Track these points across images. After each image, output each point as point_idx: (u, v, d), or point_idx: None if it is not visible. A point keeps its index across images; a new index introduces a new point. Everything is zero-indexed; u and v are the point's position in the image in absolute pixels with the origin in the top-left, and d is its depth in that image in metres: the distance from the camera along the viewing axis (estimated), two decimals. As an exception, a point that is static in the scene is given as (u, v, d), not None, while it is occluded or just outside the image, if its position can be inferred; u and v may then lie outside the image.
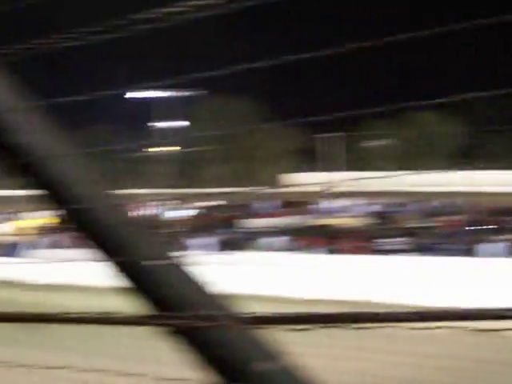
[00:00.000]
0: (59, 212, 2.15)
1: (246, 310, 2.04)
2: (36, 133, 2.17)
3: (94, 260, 2.13)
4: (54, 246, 40.58)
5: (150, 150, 61.57)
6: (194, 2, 1.94)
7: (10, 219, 54.74)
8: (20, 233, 50.11)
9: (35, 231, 48.41)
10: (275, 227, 43.28)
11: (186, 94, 60.58)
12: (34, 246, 43.74)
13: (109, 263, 2.07)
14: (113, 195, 2.18)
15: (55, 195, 2.12)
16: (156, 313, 2.00)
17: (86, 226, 2.09)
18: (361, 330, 1.78)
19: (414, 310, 1.85)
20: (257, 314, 1.87)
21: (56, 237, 42.48)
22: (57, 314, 2.09)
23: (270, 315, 1.85)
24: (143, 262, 2.04)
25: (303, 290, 24.72)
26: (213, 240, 42.18)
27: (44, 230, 46.70)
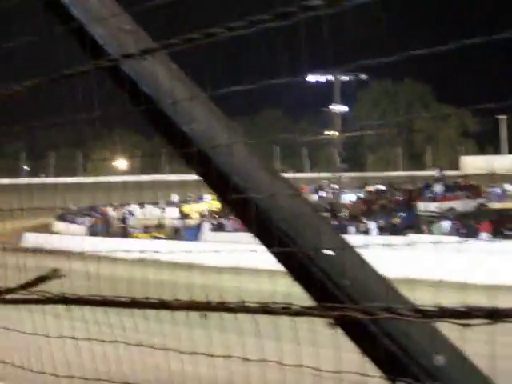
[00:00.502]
0: (224, 199, 2.16)
1: (423, 300, 1.97)
2: (203, 122, 2.20)
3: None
4: (222, 229, 41.55)
5: (325, 133, 61.81)
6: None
7: (179, 204, 56.64)
8: (187, 216, 51.72)
9: (201, 215, 49.82)
10: (449, 210, 42.44)
11: (349, 78, 60.33)
12: (202, 229, 45.00)
13: (275, 252, 2.06)
14: (280, 182, 2.17)
15: (221, 184, 2.13)
16: (325, 303, 1.96)
17: (252, 214, 2.08)
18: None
19: None
20: (439, 307, 1.80)
21: (223, 220, 43.58)
22: (217, 302, 2.10)
23: (456, 308, 1.77)
24: (311, 252, 2.02)
25: (481, 276, 23.99)
26: (385, 224, 41.95)
27: (209, 214, 48.08)
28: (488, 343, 1.77)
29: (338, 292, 1.95)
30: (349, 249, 2.03)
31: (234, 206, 2.13)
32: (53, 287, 2.88)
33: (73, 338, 3.18)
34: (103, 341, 2.99)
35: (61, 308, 2.85)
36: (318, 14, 1.92)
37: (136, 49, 2.28)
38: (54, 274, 2.90)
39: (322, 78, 60.63)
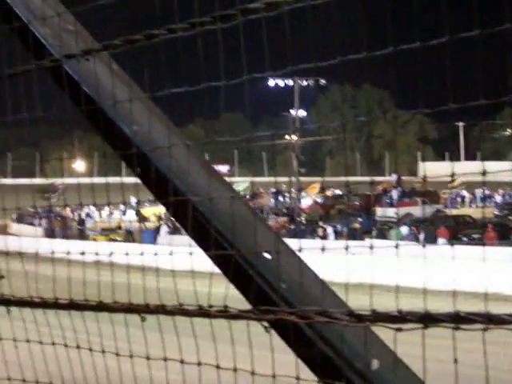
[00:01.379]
0: (163, 202, 2.16)
1: (366, 302, 1.98)
2: (145, 124, 2.19)
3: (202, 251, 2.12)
4: (178, 232, 41.55)
5: (285, 138, 62.03)
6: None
7: (137, 207, 56.46)
8: (145, 219, 51.61)
9: (159, 218, 49.71)
10: (406, 216, 42.79)
11: (307, 83, 60.60)
12: (160, 232, 44.91)
13: (212, 255, 2.06)
14: (220, 185, 2.16)
15: (160, 187, 2.13)
16: (262, 307, 1.96)
17: (190, 217, 2.07)
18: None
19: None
20: (374, 311, 1.80)
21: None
22: (155, 305, 2.10)
23: (389, 313, 1.78)
24: (249, 255, 2.01)
25: (430, 280, 24.15)
26: (340, 228, 42.15)
27: (167, 217, 47.93)
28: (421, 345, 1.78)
29: (274, 295, 1.95)
30: (287, 252, 2.04)
31: (173, 208, 2.12)
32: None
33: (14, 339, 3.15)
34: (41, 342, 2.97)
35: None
36: (280, 17, 1.93)
37: (78, 49, 2.26)
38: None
39: (282, 83, 60.88)
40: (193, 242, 2.13)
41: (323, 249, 2.03)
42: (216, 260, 2.04)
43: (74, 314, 2.58)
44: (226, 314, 1.94)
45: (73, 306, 2.37)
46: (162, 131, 2.17)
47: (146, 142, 2.15)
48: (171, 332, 2.30)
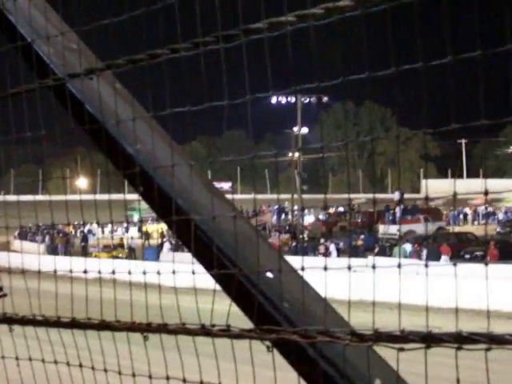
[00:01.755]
0: (165, 220, 2.16)
1: (366, 320, 1.98)
2: (148, 143, 2.20)
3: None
4: (181, 249, 41.55)
5: (287, 155, 62.10)
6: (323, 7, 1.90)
7: (140, 224, 56.51)
8: (148, 236, 51.61)
9: (162, 235, 49.68)
10: (408, 233, 42.72)
11: (309, 100, 60.71)
12: (160, 249, 44.90)
13: (214, 274, 2.06)
14: (223, 204, 2.17)
15: (165, 205, 2.13)
16: (264, 326, 1.96)
17: (193, 236, 2.08)
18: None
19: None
20: (376, 330, 1.80)
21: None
22: (158, 324, 2.10)
23: (391, 332, 1.78)
24: (251, 274, 2.01)
25: (432, 298, 24.12)
26: (342, 246, 42.10)
27: (170, 234, 47.85)
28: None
29: (276, 314, 1.95)
30: (289, 271, 2.04)
31: (175, 227, 2.13)
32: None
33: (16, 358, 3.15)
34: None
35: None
36: (283, 36, 1.95)
37: (82, 68, 2.27)
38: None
39: (284, 100, 61.01)
40: (195, 260, 2.13)
41: (325, 268, 2.03)
42: (218, 279, 2.04)
43: (77, 332, 2.58)
44: (228, 333, 1.94)
45: (75, 324, 2.37)
46: (165, 150, 2.18)
47: (149, 161, 2.15)
48: (173, 350, 2.30)
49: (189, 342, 2.23)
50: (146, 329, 2.16)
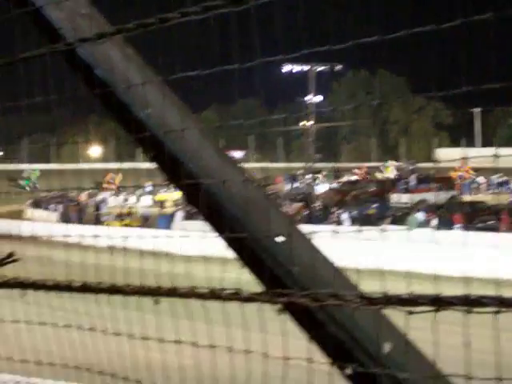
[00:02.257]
0: (177, 185, 2.17)
1: (376, 288, 1.98)
2: (159, 107, 2.19)
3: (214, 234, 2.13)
4: (194, 217, 41.56)
5: (300, 124, 61.97)
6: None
7: (150, 192, 56.57)
8: (162, 205, 51.61)
9: (175, 203, 49.65)
10: (421, 202, 42.61)
11: (323, 67, 60.38)
12: (175, 218, 44.88)
13: (226, 238, 2.07)
14: (233, 169, 2.17)
15: (174, 170, 2.13)
16: (275, 289, 1.97)
17: (203, 200, 2.08)
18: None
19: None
20: (385, 294, 1.81)
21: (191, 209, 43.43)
22: (168, 288, 2.11)
23: (400, 295, 1.79)
24: (262, 238, 2.02)
25: (443, 266, 24.01)
26: (355, 214, 42.08)
27: (184, 203, 47.87)
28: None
29: (286, 278, 1.96)
30: (299, 236, 2.04)
31: (186, 191, 2.13)
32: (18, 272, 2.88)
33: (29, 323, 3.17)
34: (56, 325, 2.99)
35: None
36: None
37: (92, 33, 2.27)
38: (10, 258, 2.88)
39: (297, 68, 60.67)
40: (206, 228, 2.14)
41: (335, 233, 2.03)
42: (229, 244, 2.05)
43: (88, 299, 2.60)
44: (238, 296, 1.95)
45: (86, 288, 2.39)
46: (176, 114, 2.18)
47: (160, 126, 2.15)
48: (184, 317, 2.31)
49: (199, 310, 2.24)
50: (156, 292, 2.17)
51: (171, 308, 2.32)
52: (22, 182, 60.29)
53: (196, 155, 2.13)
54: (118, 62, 2.24)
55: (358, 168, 60.58)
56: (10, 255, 2.96)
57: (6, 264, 3.03)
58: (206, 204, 2.05)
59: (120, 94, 2.21)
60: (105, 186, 59.61)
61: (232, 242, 2.04)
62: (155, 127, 2.16)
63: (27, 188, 57.98)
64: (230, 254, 2.10)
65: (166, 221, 44.48)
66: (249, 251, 1.99)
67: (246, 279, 2.16)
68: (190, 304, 2.21)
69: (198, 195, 2.07)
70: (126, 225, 44.06)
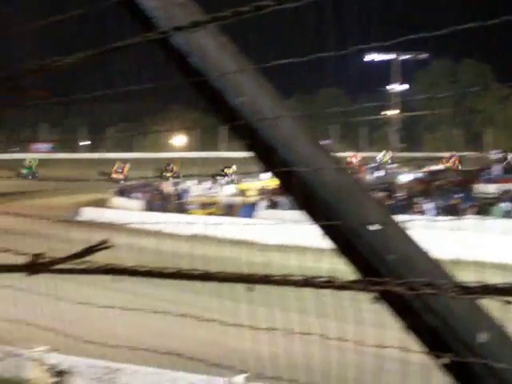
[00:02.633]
0: (275, 174, 2.17)
1: (468, 278, 1.96)
2: (253, 95, 2.20)
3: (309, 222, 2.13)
4: (277, 206, 41.50)
5: (382, 113, 61.45)
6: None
7: (234, 181, 56.82)
8: (244, 194, 51.75)
9: (258, 192, 49.72)
10: (506, 192, 41.76)
11: (408, 56, 59.62)
12: (257, 207, 44.99)
13: (321, 226, 2.07)
14: (327, 157, 2.16)
15: (268, 158, 2.14)
16: (368, 278, 1.96)
17: (298, 188, 2.08)
18: None
19: None
20: (481, 283, 1.79)
21: (278, 198, 43.46)
22: (261, 275, 2.11)
23: (498, 285, 1.76)
24: (356, 226, 2.01)
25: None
26: (439, 204, 41.52)
27: (267, 192, 47.90)
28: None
29: (382, 267, 1.95)
30: (393, 224, 2.03)
31: (281, 179, 2.14)
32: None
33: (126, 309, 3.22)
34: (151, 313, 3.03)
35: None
36: None
37: (186, 21, 2.28)
38: (103, 245, 2.93)
39: (380, 57, 60.10)
40: (288, 218, 2.14)
41: (429, 222, 2.00)
42: (324, 231, 2.05)
43: (175, 288, 2.63)
44: (332, 284, 1.95)
45: (181, 275, 2.41)
46: (269, 102, 2.18)
47: (254, 113, 2.16)
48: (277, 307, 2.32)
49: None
50: (250, 279, 2.18)
51: (262, 297, 2.33)
52: (23, 171, 61.27)
53: (290, 143, 2.13)
54: (212, 50, 2.26)
55: (445, 158, 59.77)
56: (103, 242, 3.01)
57: (97, 251, 3.08)
58: (300, 192, 2.05)
59: (214, 82, 2.23)
60: (113, 175, 61.06)
61: (327, 230, 2.04)
62: (249, 115, 2.17)
63: (29, 177, 58.82)
64: (319, 243, 2.10)
65: (248, 210, 44.64)
66: (344, 239, 1.99)
67: (336, 269, 2.15)
68: (283, 293, 2.22)
69: (292, 183, 2.07)
70: (210, 213, 44.39)
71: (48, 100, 3.08)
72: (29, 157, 69.38)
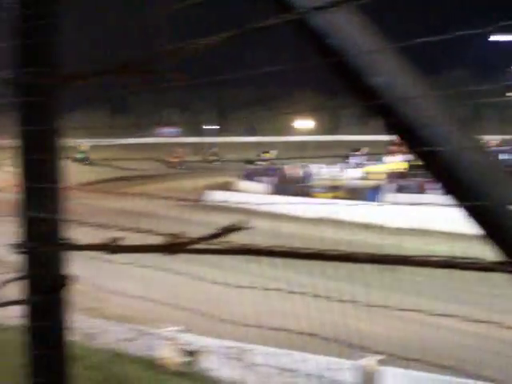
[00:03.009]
0: (413, 155, 2.14)
1: None
2: (392, 74, 2.17)
3: (448, 205, 2.09)
4: (404, 190, 41.02)
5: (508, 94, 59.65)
6: None
7: (360, 164, 56.47)
8: (371, 177, 51.36)
9: (385, 176, 49.24)
10: None
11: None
12: (384, 190, 44.61)
13: (463, 208, 2.02)
14: (468, 137, 2.12)
15: (410, 137, 2.11)
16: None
17: (439, 169, 2.05)
18: None
19: None
20: None
21: (406, 181, 42.87)
22: (399, 255, 2.09)
23: None
24: (500, 207, 1.96)
25: None
26: None
27: (395, 175, 47.32)
28: None
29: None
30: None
31: (423, 159, 2.10)
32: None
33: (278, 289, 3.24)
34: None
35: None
36: None
37: (325, 1, 2.27)
38: (240, 226, 2.96)
39: (504, 38, 58.38)
40: (417, 200, 2.10)
41: None
42: (469, 213, 2.00)
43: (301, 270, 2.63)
44: (476, 265, 1.90)
45: (317, 256, 2.41)
46: (409, 81, 2.15)
47: (393, 92, 2.13)
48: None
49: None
50: (385, 260, 2.16)
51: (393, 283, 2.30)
52: (78, 156, 62.56)
53: (431, 122, 2.09)
54: (351, 29, 2.24)
55: None
56: (237, 224, 3.03)
57: (233, 231, 3.11)
58: (444, 172, 2.02)
59: (353, 62, 2.21)
60: (171, 159, 62.72)
61: (472, 212, 1.99)
62: (388, 94, 2.14)
63: (86, 161, 59.47)
64: (451, 227, 2.06)
65: (374, 193, 44.33)
66: (490, 221, 1.94)
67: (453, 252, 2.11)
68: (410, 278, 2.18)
69: (435, 163, 2.03)
70: (335, 197, 44.32)
71: (186, 82, 3.12)
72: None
